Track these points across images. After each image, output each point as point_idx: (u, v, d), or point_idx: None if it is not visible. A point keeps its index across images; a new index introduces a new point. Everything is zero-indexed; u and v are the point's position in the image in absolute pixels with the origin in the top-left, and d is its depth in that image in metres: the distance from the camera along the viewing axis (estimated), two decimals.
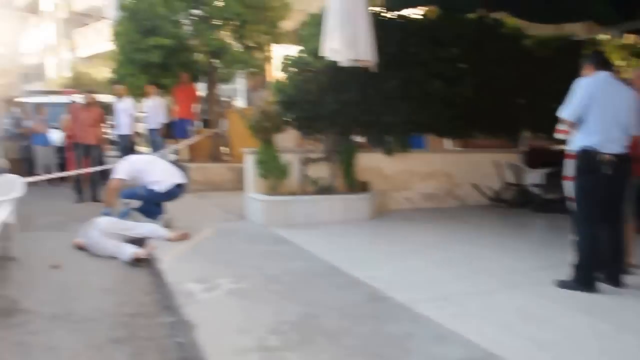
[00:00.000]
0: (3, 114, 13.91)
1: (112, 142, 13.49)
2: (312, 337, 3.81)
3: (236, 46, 11.40)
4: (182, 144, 11.64)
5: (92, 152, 10.46)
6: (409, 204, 9.40)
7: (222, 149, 12.86)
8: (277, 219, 7.49)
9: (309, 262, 5.79)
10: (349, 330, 3.92)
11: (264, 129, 7.74)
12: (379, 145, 8.90)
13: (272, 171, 7.68)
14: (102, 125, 10.73)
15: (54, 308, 4.88)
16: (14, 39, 58.32)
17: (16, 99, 15.93)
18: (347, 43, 6.70)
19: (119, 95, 13.37)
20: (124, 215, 7.22)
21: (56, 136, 13.03)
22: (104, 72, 28.63)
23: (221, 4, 10.73)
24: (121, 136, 12.49)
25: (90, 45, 42.78)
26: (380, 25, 7.48)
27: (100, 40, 40.74)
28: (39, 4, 51.31)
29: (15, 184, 6.54)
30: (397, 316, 4.21)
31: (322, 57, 7.11)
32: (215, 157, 12.03)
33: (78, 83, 33.36)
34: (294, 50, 8.72)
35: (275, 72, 10.75)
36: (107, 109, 14.39)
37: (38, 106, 13.21)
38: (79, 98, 11.57)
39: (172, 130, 11.91)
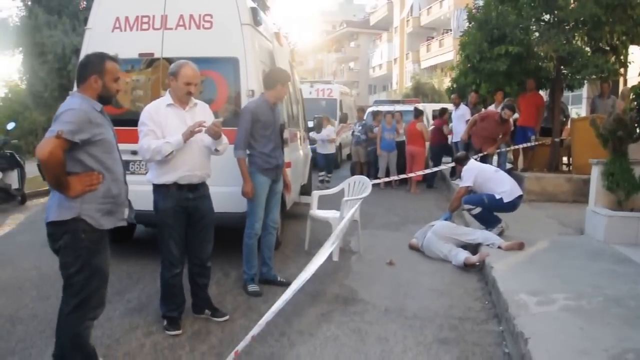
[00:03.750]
0: (354, 122, 15.18)
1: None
2: None
3: (587, 50, 10.64)
4: (502, 147, 11.21)
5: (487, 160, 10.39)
6: None
7: (563, 159, 12.19)
8: (621, 236, 6.75)
9: None
10: None
11: (617, 138, 7.03)
12: None
13: (622, 184, 6.94)
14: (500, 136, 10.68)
15: (388, 302, 5.14)
16: (365, 54, 64.24)
17: (365, 108, 17.39)
18: None
19: (455, 104, 13.69)
20: (446, 220, 7.28)
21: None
22: (445, 82, 29.67)
23: (574, 6, 10.12)
24: (457, 143, 12.68)
25: (432, 57, 44.67)
26: None
27: (442, 51, 42.40)
28: (392, 21, 55.22)
29: (366, 185, 7.09)
30: None
31: None
32: (553, 167, 11.42)
33: (418, 92, 35.13)
34: None
35: (633, 75, 9.75)
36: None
37: (385, 114, 14.15)
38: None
39: (512, 138, 11.66)
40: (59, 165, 3.01)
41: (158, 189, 4.42)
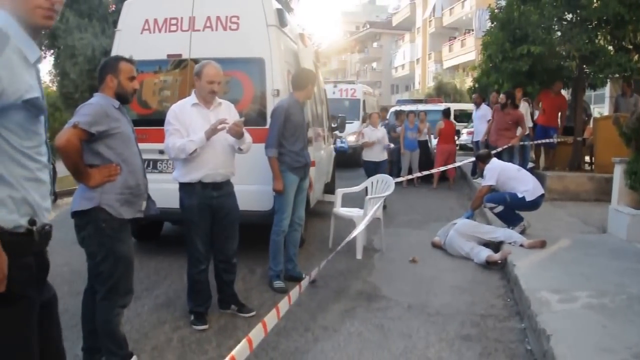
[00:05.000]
0: (378, 122, 15.19)
1: (464, 148, 13.87)
2: None
3: (610, 49, 10.58)
4: (525, 141, 11.18)
5: (503, 157, 10.29)
6: None
7: (585, 157, 12.13)
8: None
9: None
10: None
11: None
12: None
13: None
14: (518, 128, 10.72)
15: (411, 298, 5.21)
16: (388, 55, 64.13)
17: (388, 108, 17.42)
18: None
19: (477, 104, 13.68)
20: (468, 218, 7.32)
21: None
22: (466, 82, 29.56)
23: (597, 5, 10.08)
24: (478, 142, 12.68)
25: (454, 57, 44.46)
26: None
27: (464, 51, 42.19)
28: (415, 22, 55.05)
29: (389, 184, 7.16)
30: None
31: None
32: (575, 166, 11.37)
33: (441, 92, 35.03)
34: None
35: None
36: (467, 116, 14.78)
37: (408, 114, 14.18)
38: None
39: (534, 137, 11.62)
40: (76, 152, 3.24)
41: (183, 187, 4.53)
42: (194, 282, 4.61)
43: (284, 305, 2.96)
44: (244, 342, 2.41)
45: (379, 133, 10.31)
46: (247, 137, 4.57)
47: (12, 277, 1.87)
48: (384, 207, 8.19)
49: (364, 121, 16.21)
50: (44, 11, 1.96)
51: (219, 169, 4.48)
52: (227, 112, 4.60)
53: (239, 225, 4.75)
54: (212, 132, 4.32)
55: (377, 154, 10.23)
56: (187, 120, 4.43)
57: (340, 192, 7.53)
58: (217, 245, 4.65)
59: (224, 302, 4.81)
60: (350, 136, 15.60)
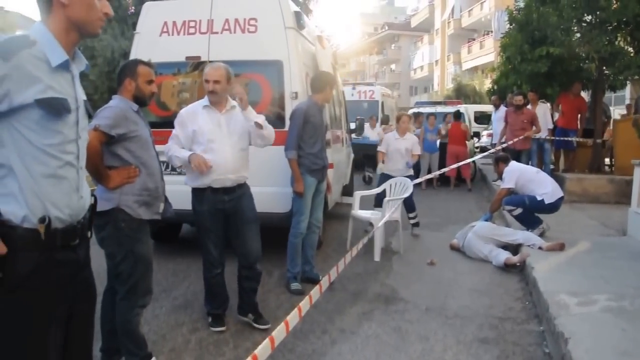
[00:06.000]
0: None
1: (484, 150, 13.80)
2: None
3: (630, 51, 10.49)
4: (545, 145, 11.13)
5: (521, 159, 10.37)
6: None
7: (605, 160, 12.03)
8: None
9: None
10: None
11: None
12: None
13: None
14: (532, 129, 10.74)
15: (428, 301, 5.20)
16: (407, 56, 64.01)
17: (407, 110, 17.38)
18: None
19: (496, 105, 13.63)
20: (486, 220, 7.28)
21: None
22: (485, 84, 29.42)
23: (617, 6, 10.00)
24: (496, 144, 12.61)
25: (473, 58, 44.28)
26: None
27: (483, 53, 42.00)
28: (434, 23, 54.95)
29: (407, 186, 7.15)
30: None
31: None
32: (595, 168, 11.28)
33: (460, 94, 34.89)
34: None
35: None
36: (487, 118, 14.70)
37: (427, 116, 14.18)
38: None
39: (554, 140, 11.55)
40: (96, 155, 3.29)
41: (194, 191, 4.46)
42: (210, 286, 4.59)
43: (305, 305, 2.97)
44: (266, 341, 2.42)
45: (407, 143, 8.07)
46: (267, 128, 4.43)
47: (12, 270, 1.93)
48: (416, 224, 8.16)
49: (383, 123, 16.20)
50: (102, 23, 2.14)
51: (229, 174, 4.33)
52: (239, 115, 4.43)
53: (258, 227, 4.61)
54: (196, 166, 4.20)
55: (397, 168, 7.96)
56: (196, 123, 4.33)
57: (358, 194, 7.54)
58: (237, 249, 4.53)
59: (242, 309, 4.69)
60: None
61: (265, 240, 4.68)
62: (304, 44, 6.75)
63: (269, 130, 4.45)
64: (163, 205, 3.69)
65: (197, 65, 6.42)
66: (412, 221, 8.14)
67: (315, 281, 5.62)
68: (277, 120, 5.92)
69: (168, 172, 6.09)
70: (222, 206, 4.38)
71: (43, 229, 1.98)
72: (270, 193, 5.76)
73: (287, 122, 5.61)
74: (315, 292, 3.11)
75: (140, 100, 3.59)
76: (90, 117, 2.32)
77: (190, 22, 6.44)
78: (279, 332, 2.57)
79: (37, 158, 1.99)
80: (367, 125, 14.37)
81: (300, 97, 6.06)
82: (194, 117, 4.38)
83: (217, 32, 6.37)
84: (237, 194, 4.44)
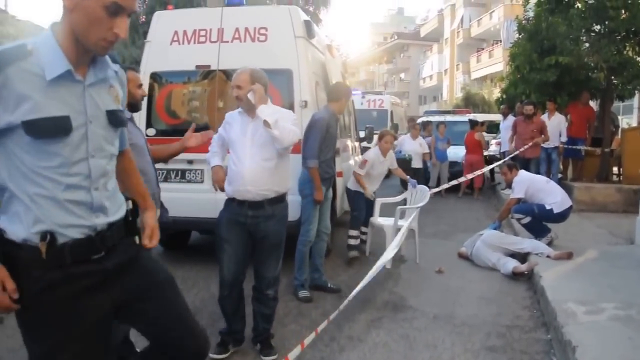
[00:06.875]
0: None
1: (493, 159, 13.80)
2: None
3: (639, 60, 10.52)
4: (553, 155, 11.14)
5: (530, 167, 10.39)
6: None
7: (613, 169, 12.03)
8: None
9: None
10: None
11: None
12: None
13: None
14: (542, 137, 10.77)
15: (437, 309, 5.22)
16: (416, 65, 64.06)
17: (416, 118, 17.42)
18: None
19: (504, 114, 13.65)
20: (495, 229, 7.29)
21: (454, 152, 13.86)
22: (494, 93, 29.41)
23: (625, 16, 10.04)
24: (504, 153, 12.62)
25: (482, 68, 44.29)
26: None
27: (492, 62, 41.99)
28: (443, 33, 55.03)
29: (425, 194, 7.17)
30: None
31: None
32: (603, 177, 11.27)
33: (469, 103, 34.90)
34: None
35: None
36: (496, 127, 14.73)
37: (438, 125, 14.18)
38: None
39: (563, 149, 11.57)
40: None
41: (226, 200, 4.21)
42: (220, 306, 4.24)
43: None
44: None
45: (387, 162, 7.29)
46: (282, 129, 3.93)
47: (21, 287, 1.91)
48: (354, 247, 7.04)
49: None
50: (106, 44, 1.96)
51: (247, 186, 3.96)
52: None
53: (280, 255, 4.24)
54: (213, 181, 4.24)
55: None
56: (231, 129, 4.14)
57: (379, 201, 7.46)
58: (255, 268, 4.21)
59: (253, 335, 4.30)
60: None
61: None
62: (313, 53, 6.81)
63: (283, 131, 3.93)
64: (159, 212, 3.72)
65: (207, 73, 6.49)
66: (351, 241, 7.02)
67: (324, 289, 5.67)
68: None
69: (178, 179, 6.18)
70: (244, 220, 4.02)
71: (44, 247, 1.90)
72: None
73: (298, 131, 5.64)
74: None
75: (134, 106, 3.63)
76: (119, 126, 2.17)
77: (200, 31, 6.49)
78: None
79: (33, 180, 1.89)
80: (406, 137, 12.94)
81: (309, 105, 6.11)
82: (232, 121, 4.18)
83: (227, 41, 6.42)
84: (265, 212, 4.06)
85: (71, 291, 1.98)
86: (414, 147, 12.15)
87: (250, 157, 4.00)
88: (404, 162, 10.96)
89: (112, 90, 2.13)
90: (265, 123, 3.89)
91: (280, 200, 4.15)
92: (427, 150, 12.29)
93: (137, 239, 2.25)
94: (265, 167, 4.00)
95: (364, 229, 7.23)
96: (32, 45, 1.87)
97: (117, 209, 2.14)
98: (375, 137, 7.75)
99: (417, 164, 12.23)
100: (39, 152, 1.87)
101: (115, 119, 2.09)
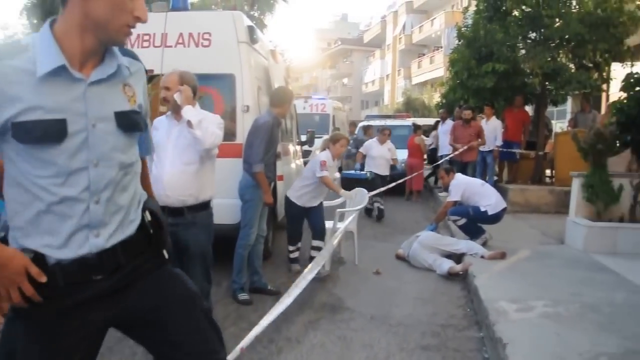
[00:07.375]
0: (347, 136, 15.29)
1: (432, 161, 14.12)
2: None
3: (571, 67, 10.95)
4: (488, 159, 11.51)
5: (468, 170, 10.64)
6: None
7: (546, 171, 12.47)
8: (599, 246, 6.95)
9: (634, 295, 5.26)
10: None
11: (597, 151, 7.25)
12: None
13: (601, 196, 7.15)
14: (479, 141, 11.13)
15: (374, 310, 5.30)
16: (359, 71, 64.64)
17: (357, 123, 17.59)
18: None
19: (443, 118, 13.98)
20: (431, 230, 7.47)
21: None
22: (434, 98, 29.96)
23: (559, 24, 10.44)
24: (442, 156, 12.91)
25: (423, 73, 45.05)
26: None
27: (432, 68, 42.78)
28: (385, 39, 55.67)
29: (363, 197, 7.26)
30: None
31: None
32: (537, 179, 11.68)
33: (409, 107, 35.43)
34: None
35: (614, 91, 10.03)
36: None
37: (377, 129, 14.31)
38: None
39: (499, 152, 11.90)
40: None
41: None
42: None
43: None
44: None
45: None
46: (203, 130, 3.88)
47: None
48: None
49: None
50: (128, 30, 1.76)
51: (167, 190, 3.84)
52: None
53: (205, 265, 4.07)
54: None
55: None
56: (157, 132, 4.02)
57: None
58: None
59: None
60: None
61: (214, 251, 4.63)
62: (256, 58, 6.82)
63: (205, 133, 3.88)
64: None
65: (150, 78, 6.40)
66: (291, 255, 6.75)
67: (264, 291, 5.67)
68: (228, 133, 5.95)
69: None
70: (170, 229, 3.85)
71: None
72: (219, 204, 5.76)
73: (240, 135, 5.66)
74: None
75: None
76: (131, 130, 1.88)
77: (144, 36, 6.42)
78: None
79: (29, 190, 1.70)
80: (373, 142, 11.59)
81: (251, 110, 6.13)
82: (159, 125, 4.10)
83: (170, 46, 6.38)
84: (184, 220, 3.91)
85: (56, 307, 1.78)
86: (382, 152, 11.19)
87: (171, 161, 3.92)
88: (369, 182, 10.12)
89: (127, 89, 1.90)
90: (188, 123, 3.83)
91: (202, 207, 4.03)
92: (396, 156, 11.52)
93: (164, 253, 2.03)
94: (186, 171, 3.92)
95: (316, 243, 6.57)
96: (29, 41, 1.69)
97: (126, 226, 1.87)
98: (317, 140, 7.78)
99: (384, 170, 11.12)
100: (32, 159, 1.67)
101: (125, 122, 1.83)
